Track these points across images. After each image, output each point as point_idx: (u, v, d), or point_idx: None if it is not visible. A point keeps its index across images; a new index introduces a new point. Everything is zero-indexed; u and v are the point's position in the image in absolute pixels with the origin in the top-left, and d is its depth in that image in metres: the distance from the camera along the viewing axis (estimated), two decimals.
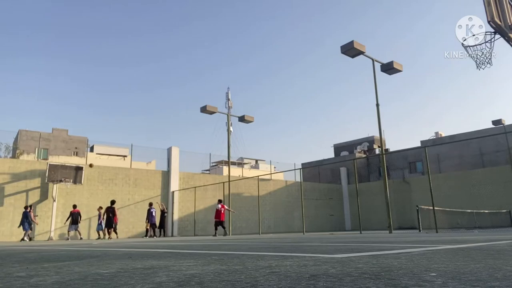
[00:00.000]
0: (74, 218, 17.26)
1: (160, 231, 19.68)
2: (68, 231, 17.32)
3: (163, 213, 19.92)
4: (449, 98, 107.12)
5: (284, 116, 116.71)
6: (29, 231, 16.38)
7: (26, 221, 16.11)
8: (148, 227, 18.48)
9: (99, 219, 18.09)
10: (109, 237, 17.39)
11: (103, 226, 17.68)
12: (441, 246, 4.19)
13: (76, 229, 17.30)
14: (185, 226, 22.61)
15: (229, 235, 18.56)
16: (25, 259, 3.75)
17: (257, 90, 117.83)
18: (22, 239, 16.11)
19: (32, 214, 16.54)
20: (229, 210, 18.92)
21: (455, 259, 2.55)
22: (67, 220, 17.42)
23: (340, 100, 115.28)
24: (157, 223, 19.43)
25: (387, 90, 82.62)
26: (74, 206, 17.70)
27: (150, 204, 18.97)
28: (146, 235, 18.55)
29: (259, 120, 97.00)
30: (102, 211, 18.05)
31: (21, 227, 16.12)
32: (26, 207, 16.60)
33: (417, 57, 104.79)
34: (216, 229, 17.75)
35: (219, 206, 18.02)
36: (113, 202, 18.00)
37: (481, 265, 2.12)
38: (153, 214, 18.73)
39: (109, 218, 17.57)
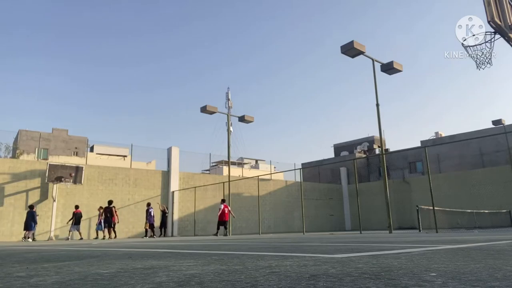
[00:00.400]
0: (77, 218, 17.32)
1: (161, 231, 19.76)
2: (70, 231, 17.34)
3: (164, 213, 20.04)
4: (449, 98, 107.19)
5: (284, 116, 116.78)
6: (34, 231, 16.47)
7: (33, 220, 16.18)
8: (147, 227, 18.49)
9: (98, 219, 18.12)
10: (109, 237, 17.39)
11: (102, 226, 17.68)
12: (441, 246, 4.19)
13: (77, 230, 17.34)
14: (185, 226, 22.61)
15: (228, 235, 18.53)
16: (25, 259, 3.75)
17: (257, 90, 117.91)
18: (25, 238, 16.14)
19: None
20: (230, 212, 18.73)
21: (455, 259, 2.55)
22: (70, 220, 17.44)
23: (340, 100, 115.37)
24: (157, 223, 19.48)
25: (387, 90, 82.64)
26: (77, 207, 17.73)
27: (148, 204, 19.01)
28: (146, 235, 18.55)
29: (259, 120, 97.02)
30: (101, 211, 18.07)
31: (27, 227, 16.08)
32: (32, 207, 16.60)
33: (417, 57, 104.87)
34: (218, 228, 17.70)
35: (222, 206, 17.91)
36: (110, 202, 17.96)
37: (481, 265, 2.12)
38: (151, 214, 18.75)
39: (107, 218, 17.57)
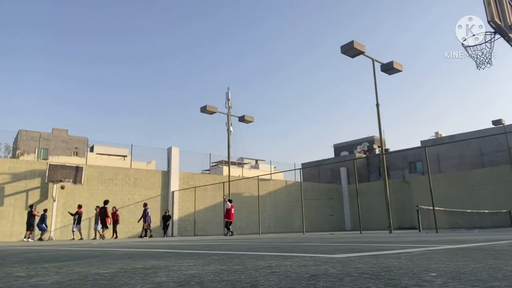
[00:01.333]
0: (79, 217, 17.39)
1: (164, 231, 20.06)
2: (73, 231, 17.35)
3: (165, 215, 20.39)
4: (449, 98, 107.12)
5: (284, 116, 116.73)
6: (44, 232, 16.85)
7: (43, 222, 16.79)
8: (146, 227, 18.51)
9: (95, 219, 18.14)
10: (103, 237, 17.33)
11: (98, 226, 17.67)
12: (441, 246, 4.19)
13: (79, 229, 17.36)
14: (185, 226, 22.61)
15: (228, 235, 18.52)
16: (25, 259, 3.75)
17: (257, 90, 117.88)
18: (40, 239, 16.58)
19: (36, 212, 16.66)
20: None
21: (455, 259, 2.55)
22: (73, 215, 17.49)
23: (340, 100, 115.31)
24: (157, 223, 19.60)
25: (387, 90, 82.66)
26: (80, 206, 17.75)
27: (145, 204, 19.02)
28: (145, 235, 18.54)
29: (259, 120, 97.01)
30: (97, 211, 18.06)
31: (38, 228, 16.66)
32: (45, 210, 17.20)
33: (417, 57, 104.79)
34: (228, 228, 17.29)
35: (229, 205, 17.53)
36: (105, 202, 17.87)
37: (481, 265, 2.12)
38: (149, 214, 18.80)
39: (102, 218, 17.56)
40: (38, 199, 18.26)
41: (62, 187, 18.19)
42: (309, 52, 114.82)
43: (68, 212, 17.83)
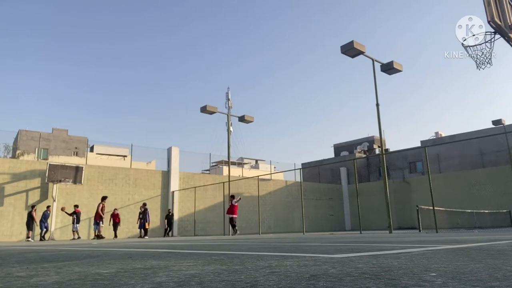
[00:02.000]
0: (78, 217, 17.38)
1: (167, 231, 20.16)
2: (73, 231, 17.34)
3: (168, 215, 20.46)
4: (449, 98, 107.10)
5: (284, 116, 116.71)
6: (42, 230, 16.83)
7: (45, 221, 16.84)
8: (147, 227, 18.50)
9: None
10: (102, 237, 17.31)
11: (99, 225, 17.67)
12: (441, 246, 4.19)
13: (76, 229, 17.34)
14: (185, 226, 22.62)
15: (230, 235, 18.50)
16: (25, 259, 3.75)
17: (257, 90, 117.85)
18: (42, 238, 16.60)
19: (35, 214, 16.63)
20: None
21: (455, 259, 2.55)
22: (71, 214, 17.46)
23: (340, 100, 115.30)
24: (157, 223, 19.59)
25: (387, 90, 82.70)
26: (76, 206, 17.75)
27: (145, 204, 19.02)
28: (145, 235, 18.52)
29: (259, 120, 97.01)
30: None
31: (40, 227, 16.73)
32: (48, 207, 17.28)
33: (417, 57, 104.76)
34: (235, 226, 16.33)
35: (235, 201, 16.66)
36: (102, 198, 17.81)
37: (481, 265, 2.12)
38: (148, 214, 18.83)
39: (95, 216, 17.57)
40: (38, 199, 18.26)
41: (62, 209, 17.86)
42: (309, 52, 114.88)
43: (65, 211, 17.66)
